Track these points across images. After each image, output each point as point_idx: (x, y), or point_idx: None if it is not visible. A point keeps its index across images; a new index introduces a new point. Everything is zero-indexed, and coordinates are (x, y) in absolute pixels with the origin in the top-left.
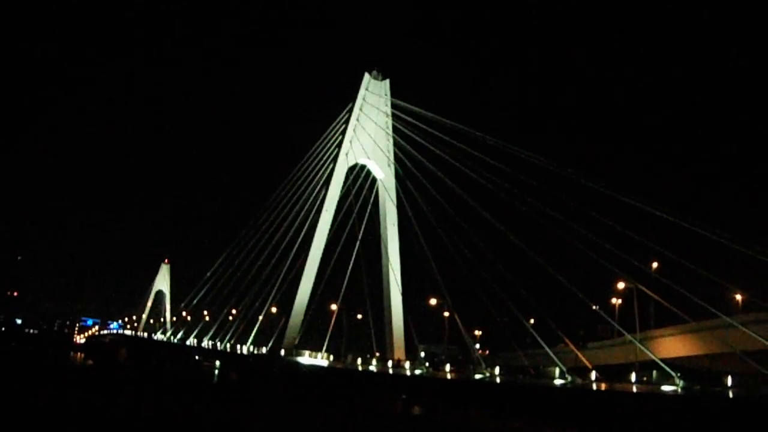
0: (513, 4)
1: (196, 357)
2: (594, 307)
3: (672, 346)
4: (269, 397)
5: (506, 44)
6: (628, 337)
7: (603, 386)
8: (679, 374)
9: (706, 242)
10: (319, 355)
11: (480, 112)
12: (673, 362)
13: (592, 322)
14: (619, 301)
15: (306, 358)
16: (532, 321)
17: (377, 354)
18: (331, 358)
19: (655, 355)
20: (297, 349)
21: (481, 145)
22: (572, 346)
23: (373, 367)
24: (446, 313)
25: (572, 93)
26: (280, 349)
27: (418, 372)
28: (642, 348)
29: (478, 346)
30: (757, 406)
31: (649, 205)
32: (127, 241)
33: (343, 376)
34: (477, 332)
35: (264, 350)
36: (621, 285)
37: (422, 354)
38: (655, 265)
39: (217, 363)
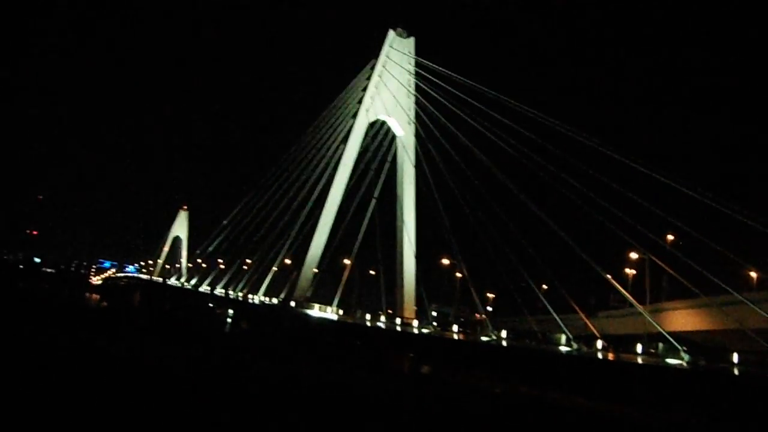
0: None
1: (210, 305)
2: (607, 276)
3: (683, 319)
4: (278, 350)
5: (537, 13)
6: (639, 308)
7: (609, 356)
8: (685, 348)
9: (725, 218)
10: (329, 308)
11: (507, 77)
12: (683, 336)
13: (605, 291)
14: (633, 271)
15: (316, 311)
16: (544, 287)
17: (388, 311)
18: (341, 312)
19: (665, 328)
20: (308, 302)
21: (503, 108)
22: (581, 314)
23: (381, 324)
24: (458, 275)
25: (603, 61)
26: (290, 301)
27: (425, 331)
28: (650, 319)
29: (490, 308)
30: (762, 384)
31: (669, 178)
32: (146, 186)
33: (352, 331)
34: (490, 295)
35: (275, 301)
36: (634, 255)
37: (434, 314)
38: (670, 237)
39: (230, 311)
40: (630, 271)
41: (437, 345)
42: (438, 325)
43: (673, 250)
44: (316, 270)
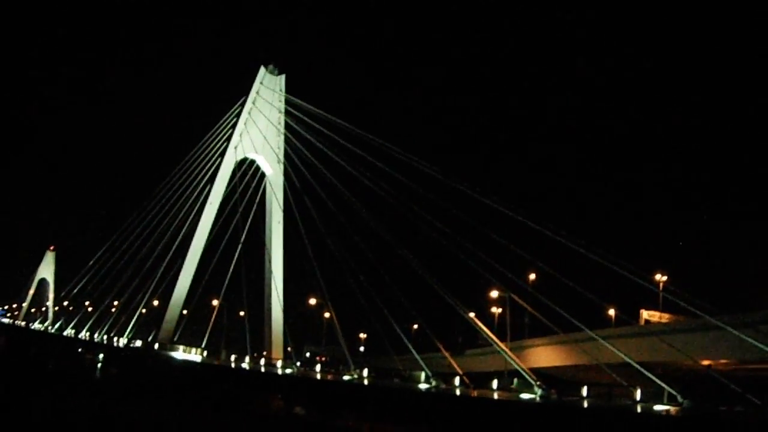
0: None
1: (78, 349)
2: (471, 315)
3: (544, 355)
4: (142, 393)
5: (409, 50)
6: (500, 345)
7: (463, 392)
8: (538, 382)
9: (586, 258)
10: (194, 350)
11: (375, 116)
12: (544, 371)
13: (473, 330)
14: (499, 310)
15: (180, 353)
16: (415, 327)
17: (254, 353)
18: (205, 354)
19: (527, 365)
20: (173, 344)
21: (370, 148)
22: (444, 353)
23: (245, 365)
24: (327, 315)
25: (467, 99)
26: (155, 343)
27: (288, 371)
28: (507, 356)
29: (362, 348)
30: (605, 415)
31: (531, 220)
32: (11, 227)
33: (216, 373)
34: (362, 335)
35: (140, 343)
36: (495, 294)
37: (308, 354)
38: (532, 276)
39: (100, 356)
40: (496, 310)
41: (301, 384)
42: (303, 365)
43: (532, 290)
44: (185, 311)
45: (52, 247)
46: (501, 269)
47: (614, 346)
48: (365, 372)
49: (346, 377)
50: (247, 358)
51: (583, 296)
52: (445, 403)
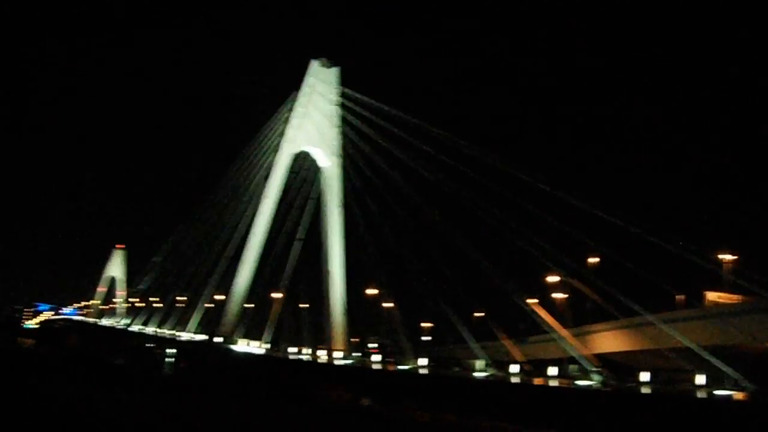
0: None
1: (148, 344)
2: (529, 302)
3: (606, 341)
4: (206, 387)
5: (464, 37)
6: (562, 332)
7: (521, 380)
8: (596, 369)
9: (648, 240)
10: (254, 343)
11: (433, 105)
12: (607, 357)
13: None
14: (564, 295)
15: (240, 346)
16: (481, 314)
17: (315, 345)
18: (265, 346)
19: (591, 350)
20: (233, 337)
21: (427, 137)
22: (504, 341)
23: (305, 356)
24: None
25: (528, 86)
26: (216, 337)
27: (347, 362)
28: (561, 343)
29: (427, 338)
30: (663, 401)
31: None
32: (83, 228)
33: (277, 365)
34: (426, 324)
35: (204, 337)
36: (553, 279)
37: (375, 345)
38: (594, 260)
39: (170, 351)
40: (562, 296)
41: (359, 375)
42: (362, 356)
43: (593, 275)
44: (250, 305)
45: (121, 245)
46: (561, 254)
47: (678, 330)
48: (423, 361)
49: (403, 367)
50: (305, 350)
51: (646, 279)
52: (501, 391)
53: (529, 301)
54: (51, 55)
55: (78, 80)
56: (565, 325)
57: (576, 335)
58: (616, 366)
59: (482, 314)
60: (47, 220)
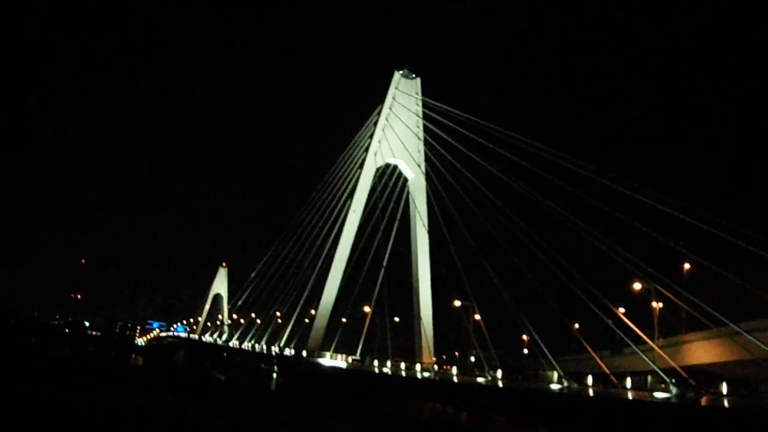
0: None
1: (245, 359)
2: (617, 312)
3: (700, 351)
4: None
5: (543, 43)
6: (660, 342)
7: (598, 392)
8: (673, 380)
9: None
10: (340, 356)
11: (515, 112)
12: (701, 369)
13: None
14: (660, 304)
15: (327, 360)
16: (576, 326)
17: (403, 358)
18: (350, 359)
19: (683, 361)
20: (321, 351)
21: (512, 146)
22: (592, 353)
23: (387, 370)
24: (477, 316)
25: (614, 93)
26: (303, 351)
27: (426, 375)
28: (642, 355)
29: (526, 351)
30: (742, 414)
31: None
32: (190, 248)
33: (362, 379)
34: (525, 337)
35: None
36: (638, 286)
37: (472, 359)
38: (687, 266)
39: (265, 366)
40: (657, 305)
41: (440, 388)
42: (441, 368)
43: (684, 283)
44: (338, 319)
45: (224, 264)
46: (648, 261)
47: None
48: (499, 373)
49: (479, 379)
50: (389, 363)
51: (739, 286)
52: (577, 403)
53: (616, 311)
54: (153, 68)
55: (180, 103)
56: (653, 336)
57: (666, 346)
58: (710, 377)
59: (562, 325)
60: (157, 240)
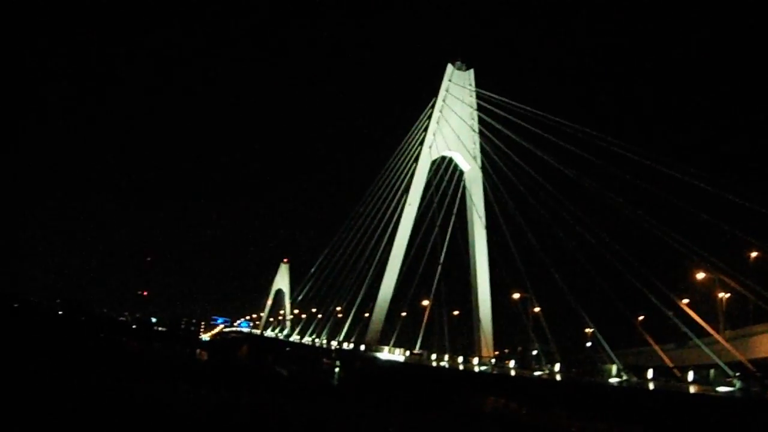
0: None
1: (306, 354)
2: (680, 303)
3: None
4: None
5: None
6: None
7: (658, 386)
8: (737, 374)
9: None
10: (397, 350)
11: (572, 101)
12: None
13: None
14: (727, 295)
15: (384, 354)
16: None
17: (463, 351)
18: (408, 353)
19: (753, 354)
20: (378, 345)
21: (569, 136)
22: (654, 345)
23: (444, 363)
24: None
25: (676, 82)
26: (362, 344)
27: (483, 368)
28: (703, 347)
29: (589, 344)
30: None
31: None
32: (254, 246)
33: (416, 371)
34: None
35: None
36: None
37: (534, 352)
38: (755, 254)
39: (327, 360)
40: (724, 295)
41: (498, 380)
42: (497, 362)
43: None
44: (397, 313)
45: (286, 260)
46: (711, 252)
47: None
48: (557, 367)
49: (537, 373)
50: (447, 356)
51: None
52: (637, 397)
53: (679, 302)
54: (213, 72)
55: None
56: (718, 328)
57: (734, 338)
58: None
59: (624, 317)
60: (223, 237)
